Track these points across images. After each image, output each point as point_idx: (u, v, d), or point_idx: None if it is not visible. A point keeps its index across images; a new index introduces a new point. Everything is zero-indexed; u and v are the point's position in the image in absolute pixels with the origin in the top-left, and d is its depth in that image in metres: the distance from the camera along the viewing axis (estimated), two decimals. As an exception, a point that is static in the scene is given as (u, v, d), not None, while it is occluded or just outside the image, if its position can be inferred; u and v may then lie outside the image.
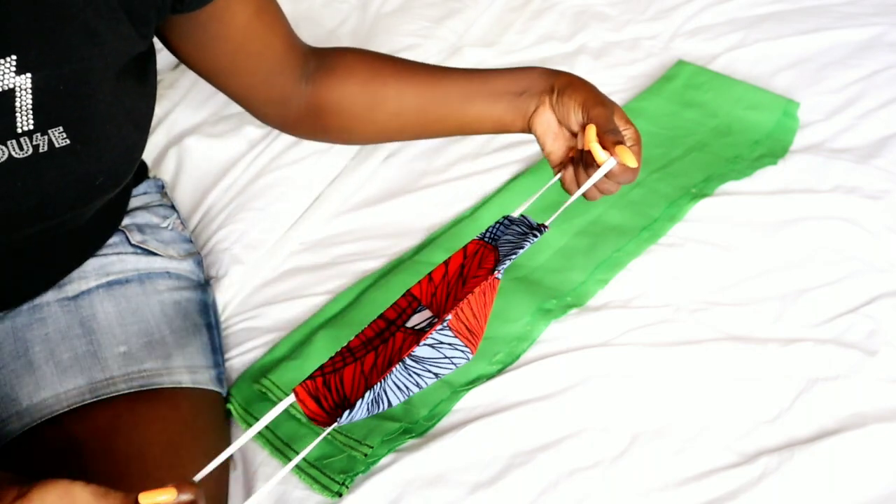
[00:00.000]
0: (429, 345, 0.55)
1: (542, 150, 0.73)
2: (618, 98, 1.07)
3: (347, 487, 0.69)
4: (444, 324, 0.55)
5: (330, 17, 1.23)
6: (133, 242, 0.79)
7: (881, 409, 0.73)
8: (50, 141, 0.60)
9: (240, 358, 0.81)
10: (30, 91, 0.58)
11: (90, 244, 0.78)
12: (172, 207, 0.87)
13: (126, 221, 0.81)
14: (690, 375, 0.76)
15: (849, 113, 1.00)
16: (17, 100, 0.57)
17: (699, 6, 1.19)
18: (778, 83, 1.06)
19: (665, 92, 1.06)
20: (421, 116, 0.78)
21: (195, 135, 1.01)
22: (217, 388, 0.76)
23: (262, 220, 0.93)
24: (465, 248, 0.62)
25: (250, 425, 0.75)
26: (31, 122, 0.58)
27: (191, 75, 1.09)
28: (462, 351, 0.57)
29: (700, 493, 0.68)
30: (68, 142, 0.60)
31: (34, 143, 0.59)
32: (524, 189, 0.94)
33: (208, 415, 0.74)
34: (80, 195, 0.65)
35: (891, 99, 1.01)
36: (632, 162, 0.63)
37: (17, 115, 0.58)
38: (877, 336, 0.78)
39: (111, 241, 0.79)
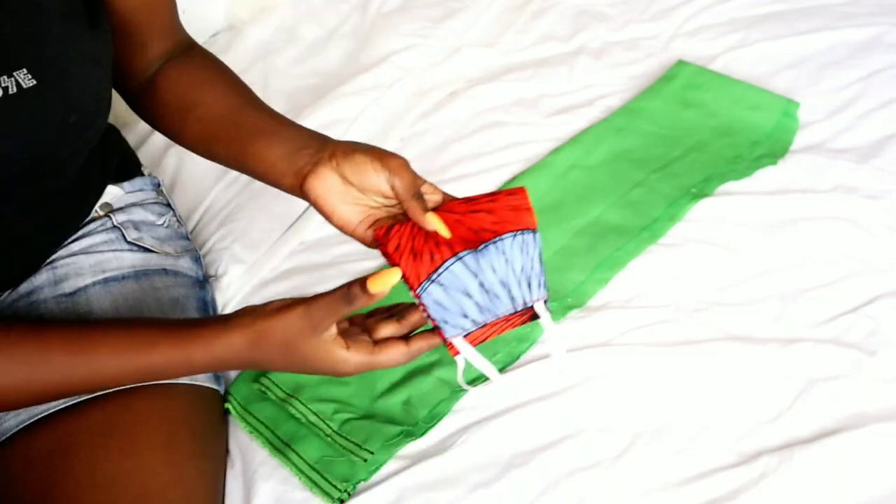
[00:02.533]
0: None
1: (328, 217, 0.67)
2: (618, 98, 1.07)
3: (349, 495, 0.69)
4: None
5: (330, 17, 1.23)
6: (129, 239, 0.79)
7: (881, 409, 0.73)
8: (17, 83, 0.62)
9: (240, 358, 0.81)
10: None
11: (77, 209, 0.78)
12: (169, 205, 0.87)
13: (121, 218, 0.81)
14: (690, 375, 0.76)
15: (849, 113, 1.00)
16: None
17: (699, 6, 1.19)
18: (778, 83, 1.06)
19: (665, 92, 1.06)
20: (220, 129, 0.75)
21: (195, 135, 1.01)
22: (214, 386, 0.76)
23: (262, 219, 0.93)
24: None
25: (249, 424, 0.75)
26: None
27: (191, 75, 1.09)
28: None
29: (700, 493, 0.68)
30: (34, 82, 0.62)
31: (2, 85, 0.61)
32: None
33: (205, 411, 0.74)
34: (58, 136, 0.66)
35: (891, 99, 1.01)
36: (444, 232, 0.63)
37: None
38: (877, 336, 0.78)
39: (107, 238, 0.79)
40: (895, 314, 0.80)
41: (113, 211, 0.81)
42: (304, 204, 0.95)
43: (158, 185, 0.88)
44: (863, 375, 0.75)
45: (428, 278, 0.60)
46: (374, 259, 0.89)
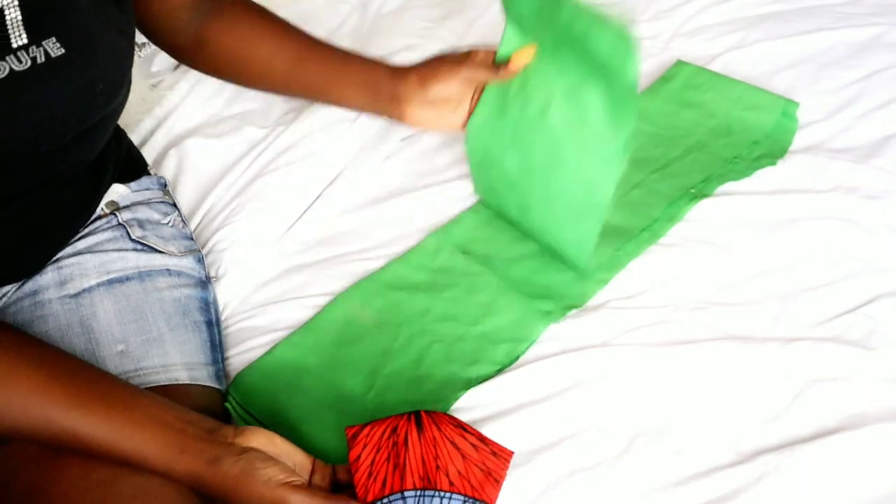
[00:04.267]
0: None
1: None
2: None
3: None
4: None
5: (330, 17, 1.23)
6: (133, 238, 0.80)
7: (881, 409, 0.73)
8: (46, 52, 0.63)
9: (239, 357, 0.82)
10: (17, 7, 0.61)
11: (86, 204, 0.79)
12: (174, 205, 0.88)
13: (126, 216, 0.81)
14: (690, 375, 0.76)
15: (848, 113, 1.00)
16: (7, 17, 0.61)
17: (699, 6, 1.19)
18: (778, 83, 1.06)
19: (664, 92, 1.06)
20: (285, 84, 0.86)
21: (195, 136, 1.01)
22: (216, 385, 0.76)
23: (262, 220, 0.93)
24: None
25: (248, 423, 0.75)
26: (24, 36, 0.62)
27: (191, 77, 1.09)
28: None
29: (700, 493, 0.68)
30: (63, 51, 0.63)
31: (31, 55, 0.62)
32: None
33: (206, 411, 0.74)
34: (86, 104, 0.67)
35: (891, 99, 1.01)
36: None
37: (10, 31, 0.61)
38: (876, 336, 0.78)
39: (112, 236, 0.79)
40: (895, 314, 0.80)
41: (118, 209, 0.82)
42: (305, 204, 0.95)
43: (165, 185, 0.89)
44: (863, 375, 0.75)
45: (372, 502, 0.62)
46: (375, 259, 0.89)
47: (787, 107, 1.01)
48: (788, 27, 1.13)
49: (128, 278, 0.78)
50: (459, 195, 0.96)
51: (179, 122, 1.05)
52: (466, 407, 0.75)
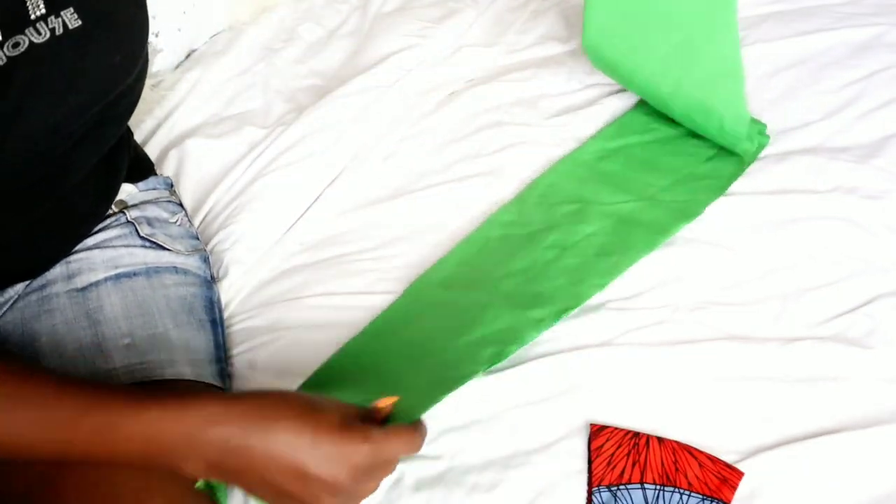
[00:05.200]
0: None
1: None
2: (618, 98, 1.07)
3: None
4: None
5: (330, 17, 1.23)
6: (142, 235, 0.81)
7: (881, 409, 0.73)
8: (64, 23, 0.62)
9: (239, 357, 0.82)
10: None
11: (98, 201, 0.79)
12: (180, 205, 0.88)
13: (135, 214, 0.82)
14: (690, 375, 0.76)
15: (848, 113, 1.00)
16: None
17: (699, 6, 1.19)
18: (778, 83, 1.06)
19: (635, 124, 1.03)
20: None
21: (195, 136, 1.02)
22: (219, 384, 0.76)
23: (263, 220, 0.93)
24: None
25: None
26: (43, 6, 0.61)
27: (191, 77, 1.09)
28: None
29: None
30: (80, 22, 0.63)
31: (50, 26, 0.62)
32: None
33: None
34: (105, 77, 0.67)
35: (891, 99, 1.01)
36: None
37: (28, 2, 0.61)
38: (877, 335, 0.78)
39: (120, 232, 0.80)
40: (895, 314, 0.80)
41: (127, 207, 0.82)
42: (305, 204, 0.96)
43: (171, 185, 0.89)
44: (863, 375, 0.75)
45: (608, 486, 0.66)
46: (374, 260, 0.89)
47: (759, 126, 0.97)
48: (788, 27, 1.13)
49: (135, 273, 0.78)
50: (459, 195, 0.96)
51: (180, 123, 1.05)
52: (465, 407, 0.75)
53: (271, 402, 0.56)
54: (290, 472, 0.55)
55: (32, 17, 0.61)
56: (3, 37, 0.59)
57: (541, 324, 0.77)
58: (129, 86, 0.72)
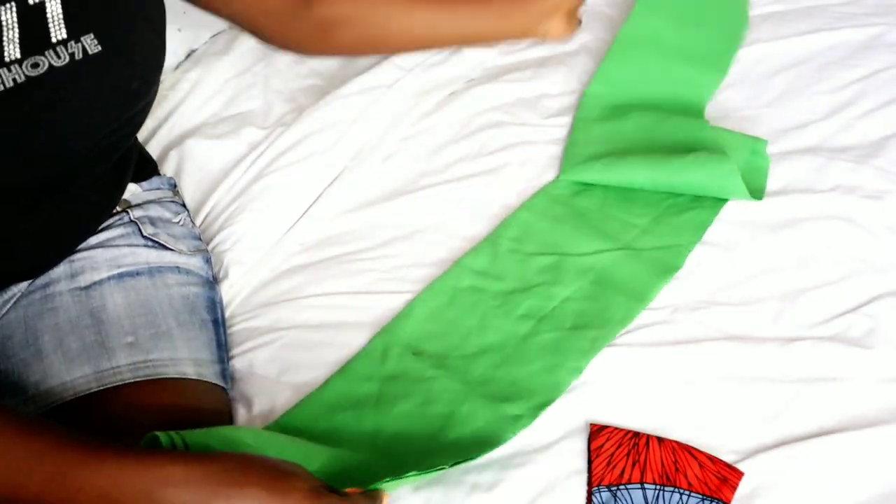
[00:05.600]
0: None
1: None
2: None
3: None
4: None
5: (330, 17, 1.23)
6: (145, 234, 0.81)
7: (881, 409, 0.73)
8: (84, 48, 0.63)
9: (239, 357, 0.82)
10: (58, 1, 0.62)
11: (104, 203, 0.80)
12: (183, 205, 0.89)
13: (138, 213, 0.82)
14: (690, 375, 0.76)
15: (848, 113, 1.00)
16: (49, 10, 0.61)
17: (699, 6, 1.19)
18: (778, 83, 1.06)
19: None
20: (430, 32, 0.87)
21: (196, 136, 1.01)
22: (221, 384, 0.77)
23: (263, 221, 0.93)
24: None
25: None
26: (64, 30, 0.62)
27: (191, 77, 1.09)
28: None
29: (699, 493, 0.68)
30: (100, 48, 0.64)
31: (70, 50, 0.62)
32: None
33: (212, 408, 0.74)
34: (121, 102, 0.68)
35: (891, 99, 1.01)
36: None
37: (50, 25, 0.61)
38: (876, 335, 0.78)
39: (123, 232, 0.80)
40: (895, 314, 0.80)
41: (130, 206, 0.82)
42: (305, 205, 0.95)
43: (174, 185, 0.89)
44: (863, 375, 0.75)
45: (608, 486, 0.66)
46: (374, 260, 0.89)
47: (756, 144, 0.96)
48: (788, 27, 1.13)
49: (138, 273, 0.78)
50: (459, 195, 0.96)
51: (180, 123, 1.05)
52: (466, 407, 0.75)
53: (237, 467, 0.55)
54: None
55: (54, 40, 0.62)
56: (21, 55, 0.60)
57: (518, 422, 0.72)
58: (143, 105, 0.73)
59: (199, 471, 0.54)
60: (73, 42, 0.63)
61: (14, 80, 0.60)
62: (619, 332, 0.79)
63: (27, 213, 0.71)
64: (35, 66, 0.61)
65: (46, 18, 0.61)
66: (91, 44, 0.63)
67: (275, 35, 0.86)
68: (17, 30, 0.60)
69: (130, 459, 0.55)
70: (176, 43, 1.15)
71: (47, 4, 0.62)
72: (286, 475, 0.56)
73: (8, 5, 0.59)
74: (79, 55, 0.63)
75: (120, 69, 0.66)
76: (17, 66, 0.60)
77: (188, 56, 1.17)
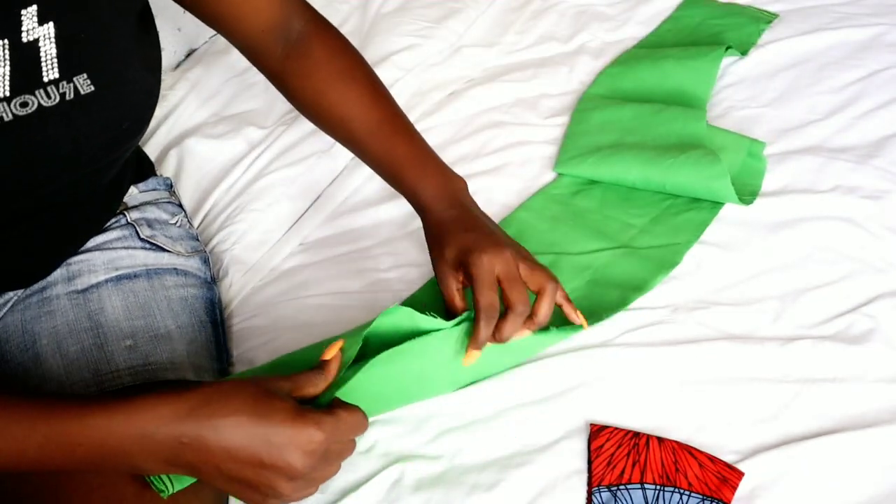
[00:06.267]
0: None
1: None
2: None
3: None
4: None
5: (330, 17, 1.22)
6: (142, 237, 0.80)
7: (881, 409, 0.73)
8: (76, 88, 0.62)
9: (240, 357, 0.82)
10: (53, 39, 0.60)
11: (103, 212, 0.79)
12: (180, 205, 0.88)
13: (135, 216, 0.82)
14: (690, 375, 0.76)
15: (848, 113, 1.00)
16: (42, 49, 0.59)
17: (699, 6, 1.19)
18: (778, 83, 1.06)
19: None
20: (357, 151, 0.82)
21: (195, 136, 1.01)
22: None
23: (263, 220, 0.93)
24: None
25: None
26: (56, 70, 0.60)
27: (191, 77, 1.09)
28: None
29: (699, 493, 0.68)
30: (93, 88, 0.62)
31: (61, 90, 0.61)
32: None
33: None
34: (110, 140, 0.67)
35: (891, 99, 1.01)
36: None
37: (43, 64, 0.60)
38: (876, 335, 0.78)
39: (121, 234, 0.80)
40: (895, 314, 0.80)
41: (127, 209, 0.82)
42: (304, 204, 0.96)
43: (171, 185, 0.89)
44: (862, 375, 0.75)
45: (608, 486, 0.66)
46: (373, 258, 0.89)
47: (753, 146, 0.95)
48: (788, 27, 1.14)
49: (136, 275, 0.78)
50: (459, 195, 0.95)
51: (180, 122, 1.05)
52: (465, 407, 0.75)
53: (221, 395, 0.57)
54: (247, 463, 0.56)
55: (45, 79, 0.60)
56: (10, 93, 0.59)
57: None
58: (135, 140, 0.72)
59: (185, 405, 0.56)
60: (64, 82, 0.61)
61: (1, 118, 0.58)
62: (611, 315, 0.79)
63: (20, 231, 0.70)
64: (24, 105, 0.59)
65: (40, 57, 0.59)
66: (83, 84, 0.62)
67: (256, 63, 0.83)
68: (7, 67, 0.58)
69: (119, 407, 0.57)
70: (176, 43, 1.15)
71: (41, 42, 0.59)
72: (270, 395, 0.57)
73: (1, 42, 0.58)
74: (70, 95, 0.61)
75: (112, 110, 0.64)
76: (4, 104, 0.58)
77: (188, 56, 1.17)
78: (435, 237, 0.74)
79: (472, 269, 0.68)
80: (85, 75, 0.62)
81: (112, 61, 0.64)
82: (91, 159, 0.66)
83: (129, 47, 0.65)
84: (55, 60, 0.60)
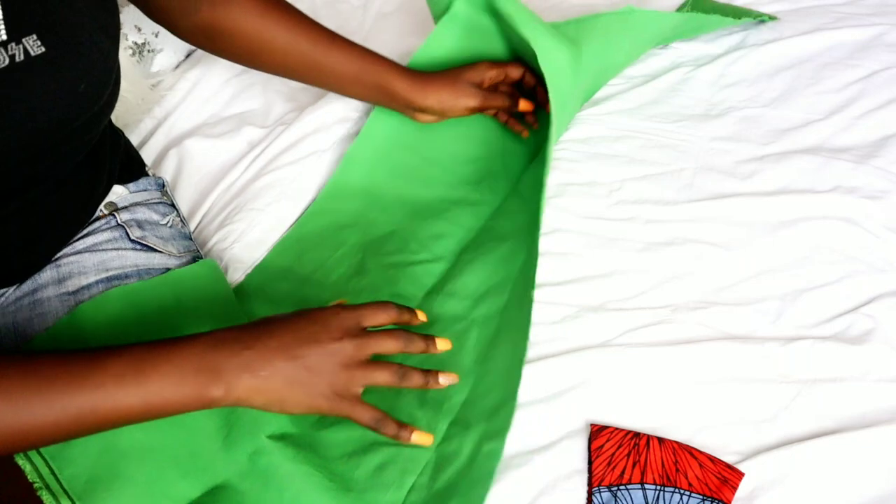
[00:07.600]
0: None
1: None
2: (617, 99, 1.07)
3: None
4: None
5: (330, 17, 1.23)
6: (132, 238, 0.80)
7: (881, 409, 0.73)
8: (26, 50, 0.61)
9: (239, 358, 0.81)
10: None
11: (82, 206, 0.79)
12: (172, 206, 0.88)
13: (125, 217, 0.81)
14: (690, 375, 0.76)
15: (848, 113, 1.00)
16: None
17: (699, 6, 1.19)
18: (778, 83, 1.06)
19: None
20: (302, 75, 0.88)
21: (195, 136, 1.01)
22: None
23: (262, 220, 0.93)
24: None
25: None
26: (4, 32, 0.60)
27: (191, 77, 1.09)
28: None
29: (700, 493, 0.68)
30: (44, 49, 0.62)
31: (10, 52, 0.60)
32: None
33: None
34: (68, 104, 0.65)
35: (891, 99, 1.01)
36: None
37: None
38: (876, 335, 0.78)
39: (111, 236, 0.79)
40: (895, 314, 0.80)
41: (117, 210, 0.81)
42: (304, 204, 0.95)
43: (163, 185, 0.89)
44: (862, 375, 0.75)
45: (608, 486, 0.66)
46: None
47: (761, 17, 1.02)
48: (788, 27, 1.13)
49: (127, 276, 0.78)
50: (459, 195, 0.95)
51: (179, 122, 1.05)
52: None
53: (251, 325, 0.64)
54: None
55: None
56: None
57: None
58: (95, 113, 0.70)
59: (190, 366, 0.60)
60: (13, 44, 0.60)
61: None
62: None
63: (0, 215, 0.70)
64: None
65: None
66: (34, 45, 0.61)
67: (163, 22, 0.85)
68: None
69: (129, 370, 0.58)
70: (176, 43, 1.15)
71: None
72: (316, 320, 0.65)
73: None
74: (20, 56, 0.61)
75: (64, 71, 0.64)
76: None
77: (188, 56, 1.17)
78: (433, 91, 0.87)
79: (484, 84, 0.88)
80: (35, 36, 0.61)
81: (62, 22, 0.63)
82: (49, 126, 0.65)
83: (82, 8, 0.65)
84: (1, 22, 0.60)
